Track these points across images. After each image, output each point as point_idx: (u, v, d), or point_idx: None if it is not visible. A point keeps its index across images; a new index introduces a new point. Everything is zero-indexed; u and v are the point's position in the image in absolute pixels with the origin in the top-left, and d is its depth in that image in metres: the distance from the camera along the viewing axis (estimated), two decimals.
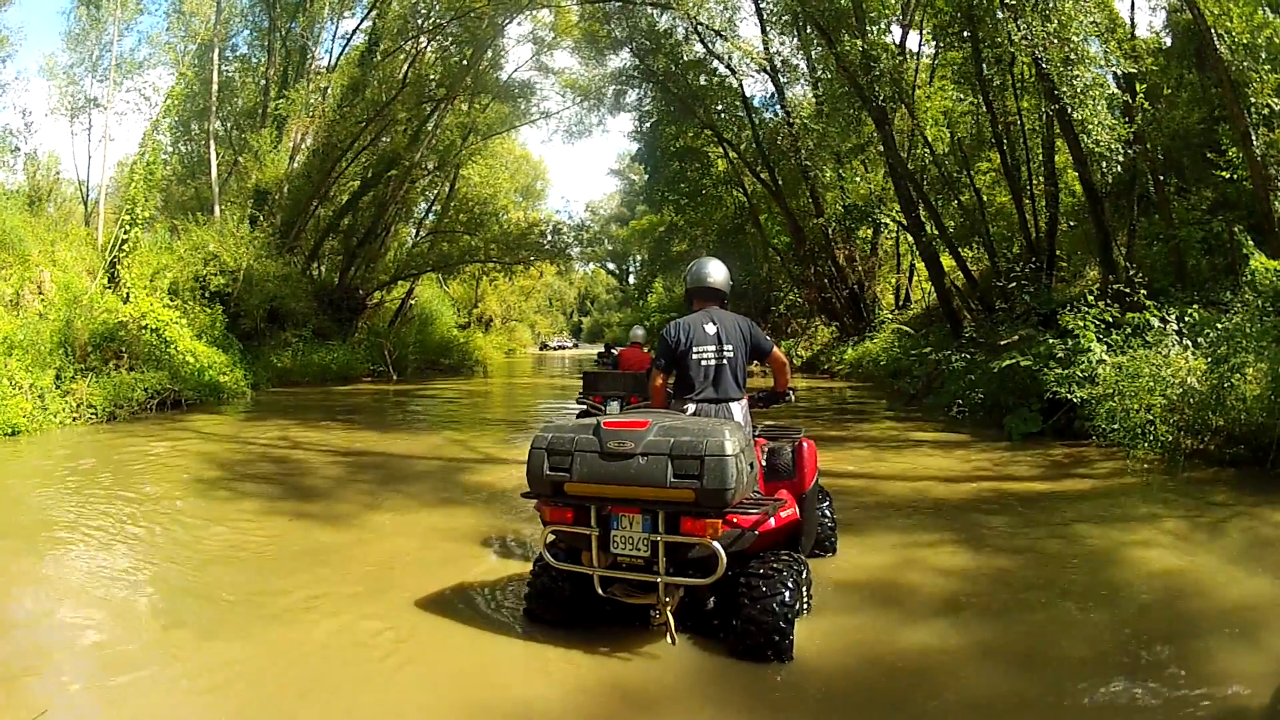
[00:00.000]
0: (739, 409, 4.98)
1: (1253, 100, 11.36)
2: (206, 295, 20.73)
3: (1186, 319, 10.27)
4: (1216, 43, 11.21)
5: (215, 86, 26.70)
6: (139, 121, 45.86)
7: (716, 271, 5.21)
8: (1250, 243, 10.42)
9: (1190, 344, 9.72)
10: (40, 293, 14.22)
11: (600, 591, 4.40)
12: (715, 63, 29.13)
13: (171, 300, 18.58)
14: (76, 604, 4.94)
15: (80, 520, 6.89)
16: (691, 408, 4.90)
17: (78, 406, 12.51)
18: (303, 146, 27.08)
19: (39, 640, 4.42)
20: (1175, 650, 4.34)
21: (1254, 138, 11.33)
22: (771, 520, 4.59)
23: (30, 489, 8.42)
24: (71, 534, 6.47)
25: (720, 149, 32.64)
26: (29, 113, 37.56)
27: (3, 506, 7.67)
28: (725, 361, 4.96)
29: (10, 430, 10.98)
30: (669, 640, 4.28)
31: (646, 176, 40.81)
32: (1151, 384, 9.49)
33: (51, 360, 12.75)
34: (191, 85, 25.34)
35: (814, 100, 27.02)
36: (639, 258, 66.03)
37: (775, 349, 5.23)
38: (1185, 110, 14.47)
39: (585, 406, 9.27)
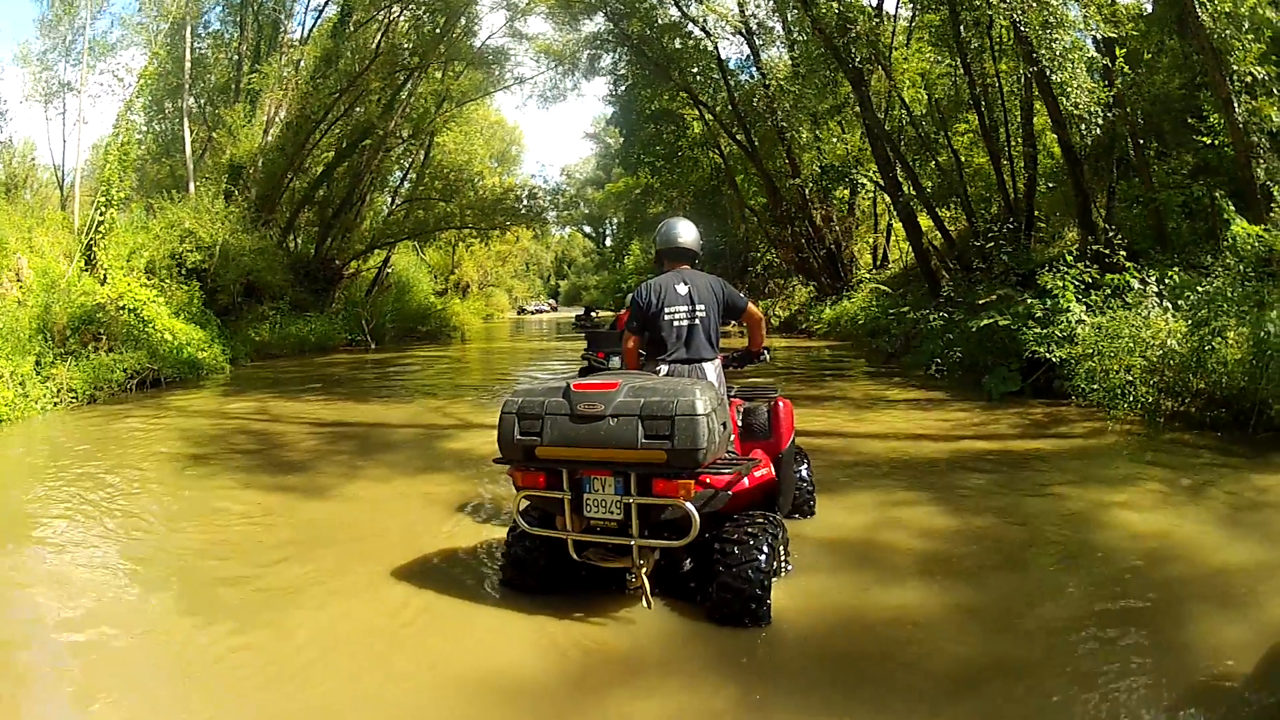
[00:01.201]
0: (712, 369, 4.93)
1: (1235, 68, 11.38)
2: (183, 272, 20.49)
3: (1167, 281, 10.30)
4: (1198, 10, 11.21)
5: (188, 64, 26.37)
6: (113, 103, 45.15)
7: (686, 232, 5.14)
8: (1231, 208, 10.48)
9: (1170, 306, 9.74)
10: (19, 280, 14.04)
11: (575, 556, 4.37)
12: (690, 26, 28.86)
13: (149, 279, 18.40)
14: (65, 595, 4.85)
15: (64, 506, 6.83)
16: (664, 369, 4.84)
17: (58, 391, 12.40)
18: (277, 120, 26.69)
19: (23, 633, 4.38)
20: (1157, 615, 4.34)
21: (1236, 105, 11.36)
22: (746, 480, 4.57)
23: (15, 477, 8.37)
24: (56, 521, 6.42)
25: (696, 111, 32.54)
26: (4, 101, 36.87)
27: None
28: (697, 321, 4.89)
29: None
30: (645, 604, 4.28)
31: (622, 140, 40.71)
32: (1131, 345, 9.52)
33: (31, 347, 12.60)
34: (164, 64, 24.93)
35: (790, 62, 26.92)
36: (615, 220, 65.93)
37: (750, 305, 5.18)
38: (1166, 76, 14.45)
39: (589, 362, 9.38)
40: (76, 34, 25.12)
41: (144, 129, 25.86)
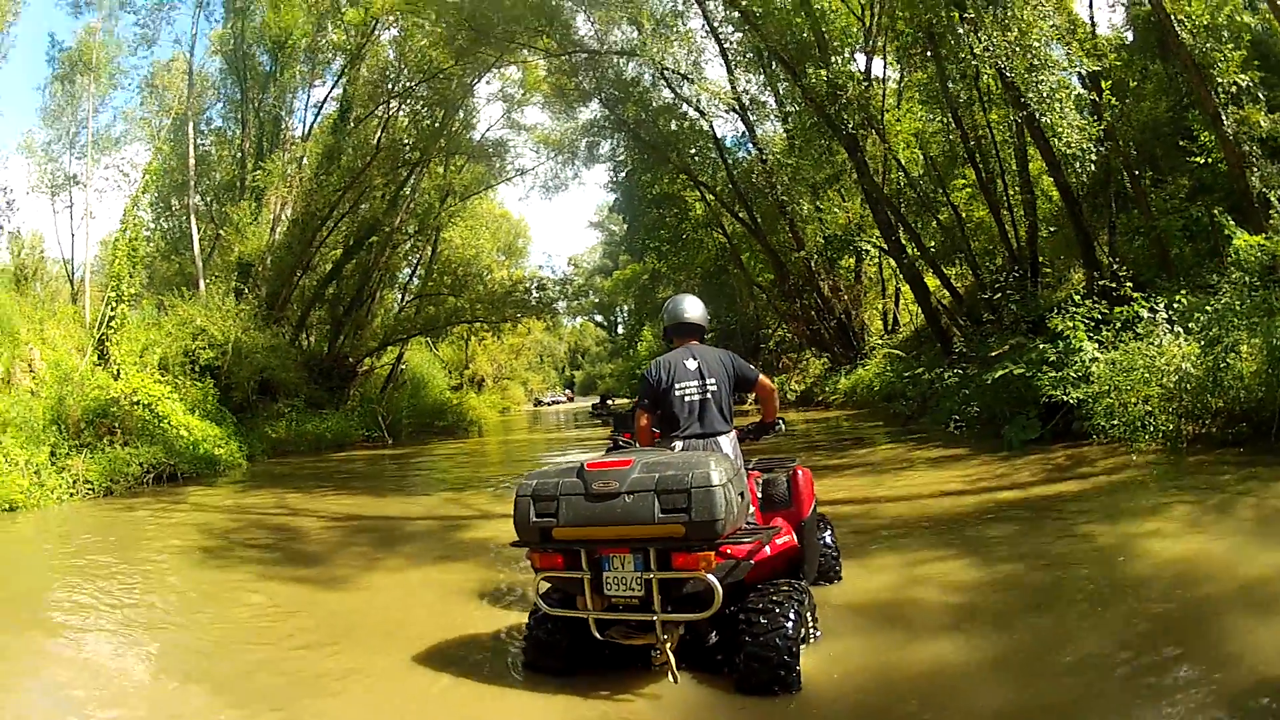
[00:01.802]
0: (727, 442, 4.92)
1: (1219, 80, 11.56)
2: (196, 369, 20.70)
3: (1175, 306, 10.29)
4: (1177, 29, 11.43)
5: (192, 160, 27.00)
6: (119, 198, 46.32)
7: (692, 307, 5.21)
8: (1231, 223, 10.50)
9: (1181, 330, 9.74)
10: (31, 370, 14.22)
11: (598, 635, 4.31)
12: (684, 106, 29.51)
13: (162, 375, 18.60)
14: (91, 683, 4.79)
15: (84, 595, 6.81)
16: (679, 445, 4.84)
17: (74, 482, 12.47)
18: (283, 217, 27.19)
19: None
20: (1192, 638, 4.27)
21: (1224, 117, 11.51)
22: (768, 549, 4.56)
23: (33, 565, 8.37)
24: (78, 610, 6.39)
25: (697, 192, 32.95)
26: (10, 190, 37.83)
27: (3, 583, 7.57)
28: (709, 396, 4.92)
29: (9, 506, 10.94)
30: (671, 679, 4.19)
31: (626, 226, 41.28)
32: (1146, 375, 9.52)
33: (46, 437, 12.72)
34: (168, 160, 25.68)
35: (785, 135, 27.35)
36: (626, 307, 66.35)
37: (761, 377, 5.17)
38: (1153, 101, 14.70)
39: (616, 443, 9.32)
40: (80, 126, 25.92)
41: (151, 225, 26.42)
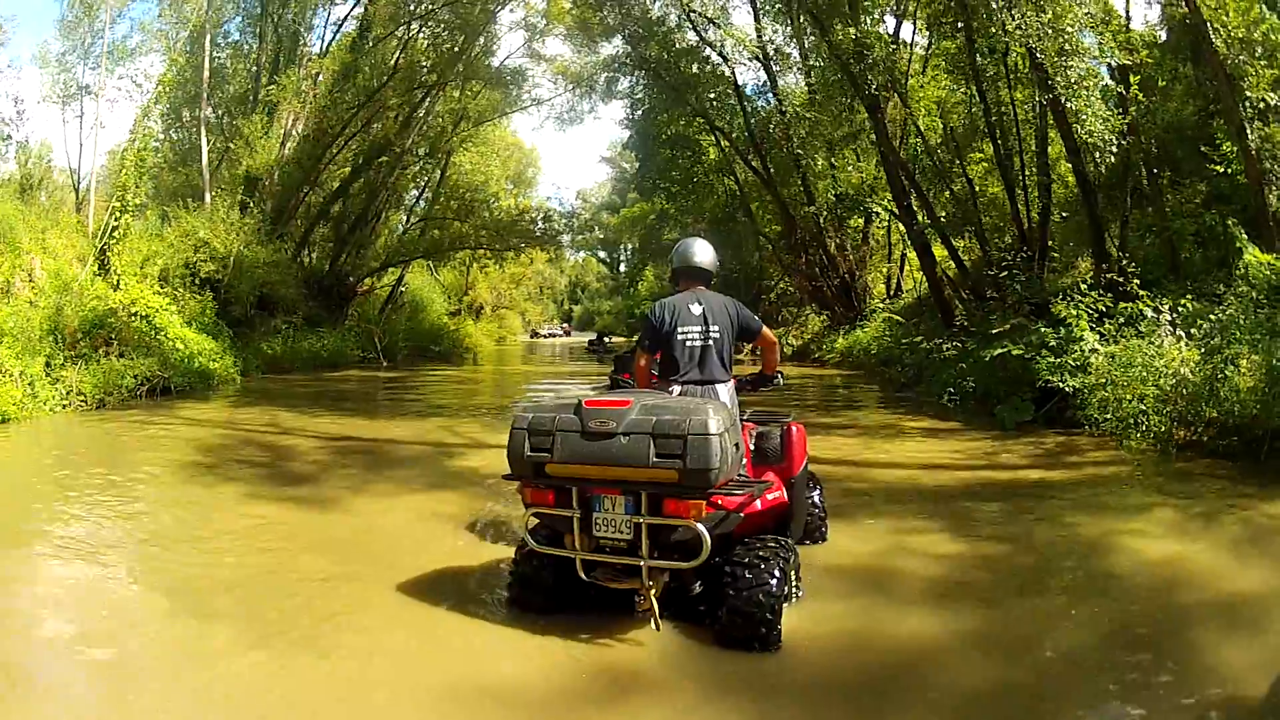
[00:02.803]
0: (725, 391, 4.88)
1: (1248, 94, 11.35)
2: (197, 282, 20.68)
3: (1179, 310, 10.25)
4: (1212, 36, 11.20)
5: (207, 73, 26.62)
6: (131, 109, 45.73)
7: (703, 252, 5.09)
8: (1244, 236, 10.41)
9: (1183, 335, 9.70)
10: (31, 280, 14.15)
11: (583, 576, 4.31)
12: (708, 50, 28.99)
13: (162, 287, 18.51)
14: (75, 609, 4.77)
15: (71, 512, 6.85)
16: (677, 389, 4.79)
17: (68, 394, 12.45)
18: (294, 133, 26.90)
19: (31, 652, 4.25)
20: (1169, 642, 4.30)
21: (1249, 132, 11.32)
22: (758, 503, 4.53)
23: (22, 477, 8.42)
24: (65, 525, 6.42)
25: (712, 137, 32.54)
26: (21, 101, 37.30)
27: None
28: (711, 342, 4.86)
29: (1, 418, 10.93)
30: (654, 626, 4.19)
31: (637, 164, 40.73)
32: (1144, 374, 9.50)
33: (41, 347, 12.68)
34: (183, 72, 25.24)
35: (806, 89, 26.98)
36: (630, 246, 66.01)
37: (764, 329, 5.15)
38: (1180, 103, 14.45)
39: (615, 382, 9.39)
40: (96, 37, 25.43)
41: (161, 136, 26.09)
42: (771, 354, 5.34)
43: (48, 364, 12.61)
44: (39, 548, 5.88)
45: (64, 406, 12.19)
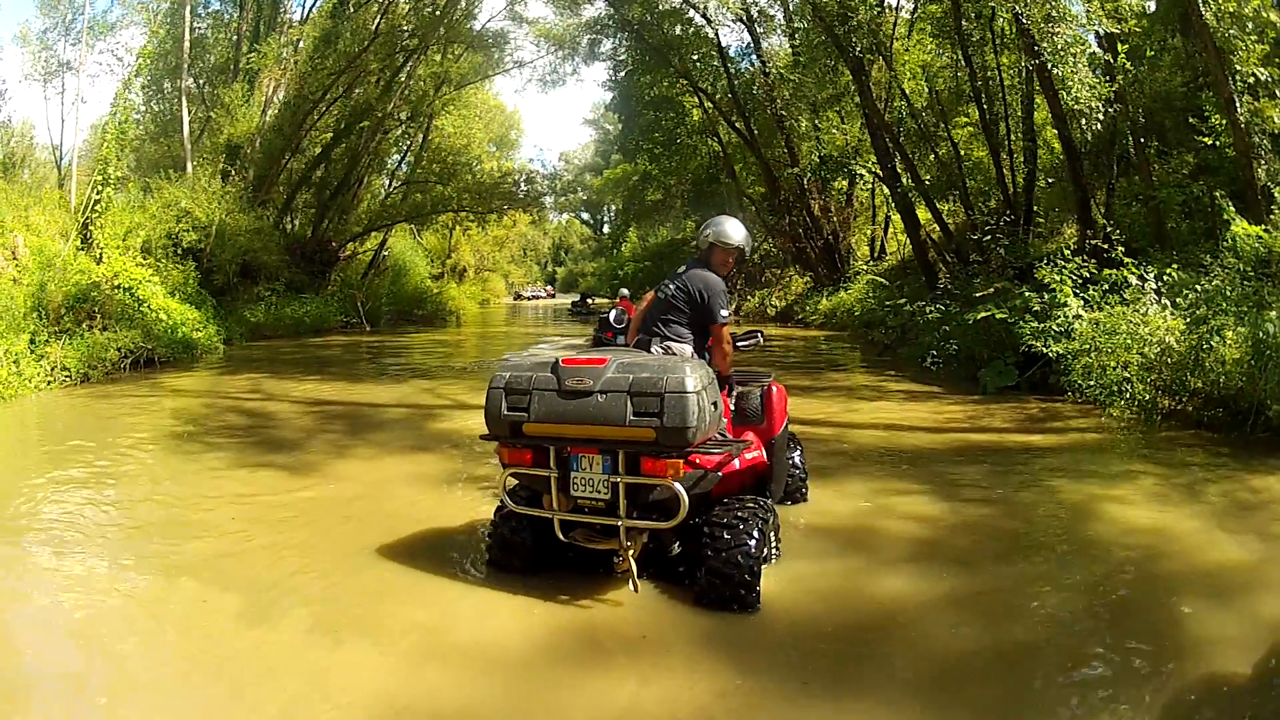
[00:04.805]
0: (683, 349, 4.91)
1: (1238, 68, 11.28)
2: (179, 252, 20.45)
3: (1165, 278, 10.22)
4: (1202, 8, 11.13)
5: (187, 44, 26.33)
6: (112, 83, 45.04)
7: (735, 231, 5.11)
8: (1231, 208, 10.36)
9: (1169, 304, 9.67)
10: (14, 258, 13.99)
11: (562, 536, 4.29)
12: (691, 12, 28.76)
13: (144, 259, 18.32)
14: (57, 587, 4.70)
15: (57, 484, 6.85)
16: (657, 349, 4.86)
17: (52, 370, 12.35)
18: (275, 100, 26.70)
19: (20, 627, 4.25)
20: (1151, 610, 4.31)
21: (1238, 105, 11.26)
22: (736, 462, 4.52)
23: (9, 455, 8.40)
24: (53, 499, 6.42)
25: (695, 98, 32.43)
26: (3, 81, 36.87)
27: None
28: (664, 297, 5.03)
29: None
30: (632, 587, 4.22)
31: (620, 126, 40.54)
32: (1129, 341, 9.44)
33: (25, 325, 12.53)
34: (164, 43, 24.96)
35: (790, 50, 26.86)
36: (613, 207, 65.83)
37: (719, 327, 4.97)
38: (1168, 74, 14.33)
39: (600, 339, 9.44)
40: (76, 13, 25.34)
41: (142, 109, 25.92)
42: (717, 353, 5.02)
43: (32, 341, 12.49)
44: (25, 524, 5.82)
45: (49, 383, 12.09)
